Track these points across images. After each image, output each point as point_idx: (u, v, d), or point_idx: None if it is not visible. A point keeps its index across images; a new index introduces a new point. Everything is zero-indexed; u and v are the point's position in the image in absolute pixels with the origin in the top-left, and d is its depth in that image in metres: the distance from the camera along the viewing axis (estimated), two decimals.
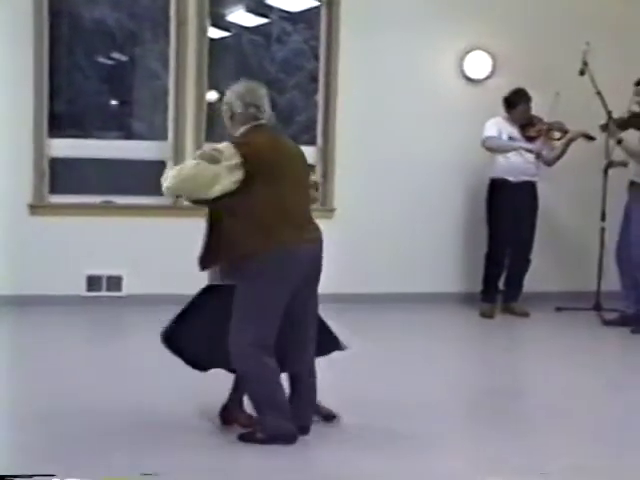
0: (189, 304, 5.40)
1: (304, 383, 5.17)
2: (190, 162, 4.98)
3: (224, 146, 4.88)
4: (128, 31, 9.11)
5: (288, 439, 5.02)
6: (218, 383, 5.39)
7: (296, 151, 5.19)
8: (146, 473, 4.48)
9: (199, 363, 5.29)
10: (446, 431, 5.42)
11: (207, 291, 5.38)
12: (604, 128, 8.17)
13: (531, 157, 8.47)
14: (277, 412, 5.01)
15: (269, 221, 4.88)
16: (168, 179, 5.03)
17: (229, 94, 5.12)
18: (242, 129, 5.04)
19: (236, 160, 4.80)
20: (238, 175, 4.81)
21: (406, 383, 5.51)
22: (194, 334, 5.26)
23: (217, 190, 4.83)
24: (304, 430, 5.15)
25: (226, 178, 4.80)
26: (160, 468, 4.58)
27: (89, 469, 4.54)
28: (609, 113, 8.33)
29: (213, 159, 4.81)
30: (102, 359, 6.81)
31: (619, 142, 8.10)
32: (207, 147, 5.14)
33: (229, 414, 5.34)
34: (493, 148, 8.44)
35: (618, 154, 8.40)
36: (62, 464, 4.60)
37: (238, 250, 4.93)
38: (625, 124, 8.14)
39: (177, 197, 5.34)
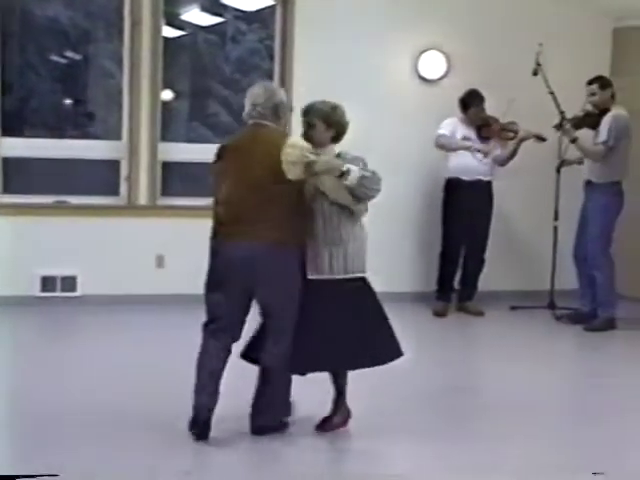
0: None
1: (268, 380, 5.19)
2: None
3: None
4: (82, 30, 9.05)
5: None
6: (164, 382, 5.36)
7: (244, 149, 5.14)
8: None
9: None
10: (399, 429, 5.44)
11: None
12: (558, 127, 8.23)
13: (482, 156, 8.52)
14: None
15: (215, 214, 5.21)
16: None
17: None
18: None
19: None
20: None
21: (356, 381, 5.53)
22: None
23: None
24: (257, 430, 5.18)
25: None
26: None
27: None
28: (562, 113, 8.40)
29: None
30: (56, 359, 6.75)
31: (573, 141, 8.16)
32: None
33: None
34: (444, 146, 8.49)
35: (571, 153, 8.47)
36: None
37: None
38: (580, 123, 8.21)
39: None
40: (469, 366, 7.31)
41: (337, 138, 5.33)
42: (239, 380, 5.25)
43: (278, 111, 5.19)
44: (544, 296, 8.74)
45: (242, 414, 5.22)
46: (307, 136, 5.19)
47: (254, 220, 5.02)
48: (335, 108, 5.32)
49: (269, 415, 5.24)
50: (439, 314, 8.60)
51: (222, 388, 5.15)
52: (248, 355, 5.36)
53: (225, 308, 5.15)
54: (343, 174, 5.01)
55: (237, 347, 5.28)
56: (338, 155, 5.22)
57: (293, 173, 4.98)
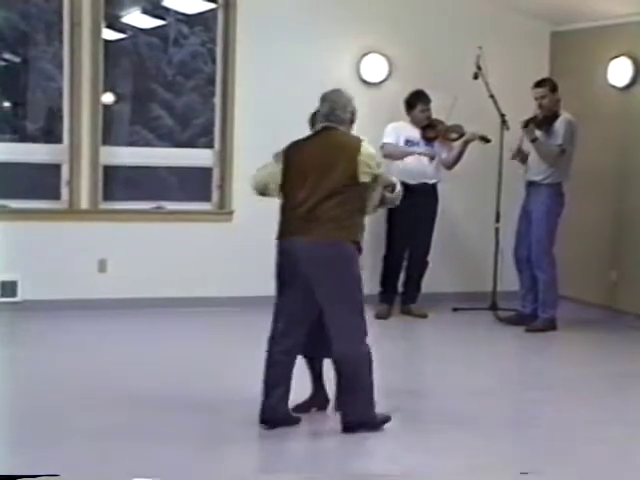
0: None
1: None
2: (267, 165, 5.69)
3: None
4: (20, 32, 8.94)
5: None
6: (105, 388, 5.33)
7: (333, 154, 5.38)
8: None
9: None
10: (339, 432, 5.45)
11: None
12: (525, 126, 8.22)
13: (427, 159, 8.57)
14: None
15: (282, 215, 5.48)
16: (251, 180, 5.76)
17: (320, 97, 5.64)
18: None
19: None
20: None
21: (298, 384, 5.57)
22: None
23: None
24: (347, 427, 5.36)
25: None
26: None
27: None
28: (503, 116, 8.50)
29: (278, 159, 5.55)
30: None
31: (534, 141, 8.21)
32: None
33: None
34: (390, 154, 8.49)
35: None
36: None
37: None
38: (539, 124, 8.25)
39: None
40: (411, 368, 7.34)
41: None
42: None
43: (353, 118, 5.55)
44: (486, 297, 8.82)
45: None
46: None
47: (328, 220, 5.28)
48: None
49: (356, 410, 5.35)
50: (381, 317, 8.61)
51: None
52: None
53: (288, 308, 5.42)
54: (393, 187, 5.63)
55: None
56: None
57: (365, 178, 5.34)
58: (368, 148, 5.41)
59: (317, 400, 5.76)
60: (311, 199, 5.30)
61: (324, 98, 5.57)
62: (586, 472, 4.97)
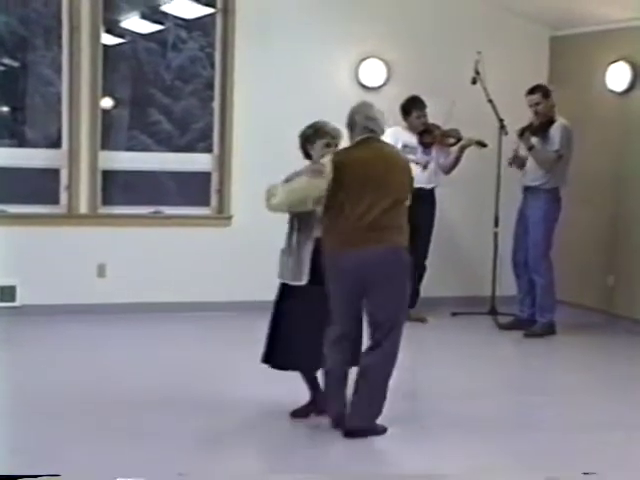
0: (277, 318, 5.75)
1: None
2: (300, 179, 5.50)
3: (326, 160, 5.43)
4: (19, 36, 8.95)
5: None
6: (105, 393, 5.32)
7: (388, 164, 5.50)
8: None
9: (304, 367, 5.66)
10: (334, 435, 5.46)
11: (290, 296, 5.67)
12: (521, 134, 8.25)
13: (428, 165, 8.57)
14: None
15: (335, 226, 5.38)
16: (278, 196, 5.50)
17: (350, 111, 5.63)
18: (354, 142, 5.55)
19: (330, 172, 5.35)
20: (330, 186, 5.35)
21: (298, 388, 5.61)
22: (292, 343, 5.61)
23: (320, 202, 5.40)
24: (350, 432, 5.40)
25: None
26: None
27: None
28: (501, 121, 8.51)
29: (319, 173, 5.39)
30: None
31: (530, 148, 8.23)
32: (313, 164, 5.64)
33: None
34: None
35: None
36: None
37: (323, 253, 5.46)
38: (535, 131, 8.26)
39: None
40: (410, 372, 7.32)
41: None
42: None
43: (383, 129, 5.61)
44: (485, 302, 8.82)
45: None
46: None
47: (394, 227, 5.43)
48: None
49: (366, 416, 5.43)
50: None
51: None
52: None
53: (344, 313, 5.44)
54: None
55: None
56: None
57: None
58: None
59: (315, 406, 5.76)
60: (376, 208, 5.34)
61: (358, 110, 5.61)
62: (587, 475, 4.97)
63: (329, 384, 5.50)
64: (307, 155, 5.75)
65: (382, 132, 5.60)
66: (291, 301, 5.65)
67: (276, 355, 5.67)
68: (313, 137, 5.71)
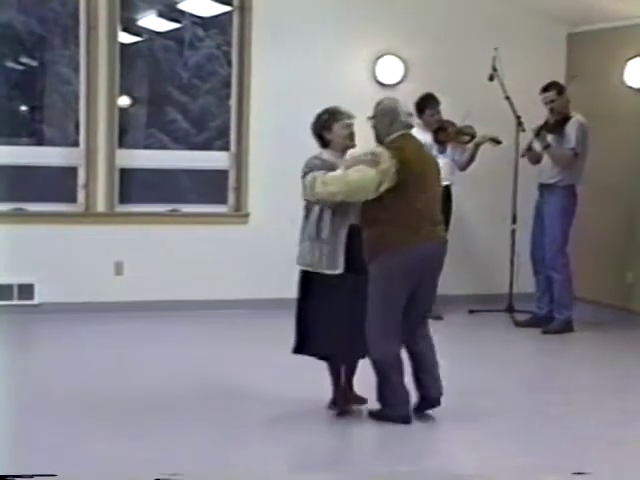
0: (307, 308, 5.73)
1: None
2: (358, 169, 5.47)
3: (381, 151, 5.50)
4: (37, 36, 8.99)
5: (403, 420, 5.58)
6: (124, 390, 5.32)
7: (432, 160, 5.85)
8: None
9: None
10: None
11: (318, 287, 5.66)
12: (537, 134, 8.23)
13: (444, 161, 8.56)
14: None
15: (402, 218, 5.48)
16: (335, 185, 5.47)
17: (388, 104, 5.71)
18: (393, 136, 5.59)
19: (392, 165, 5.40)
20: (394, 179, 5.41)
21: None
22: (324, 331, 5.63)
23: (376, 192, 5.42)
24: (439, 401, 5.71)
25: (385, 182, 5.40)
26: None
27: None
28: (518, 118, 8.48)
29: (374, 162, 5.42)
30: (13, 369, 6.69)
31: (546, 147, 8.21)
32: (360, 152, 5.66)
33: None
34: None
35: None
36: None
37: (382, 245, 5.49)
38: (551, 129, 8.24)
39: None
40: None
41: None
42: None
43: None
44: (503, 299, 8.80)
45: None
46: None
47: (440, 221, 5.72)
48: None
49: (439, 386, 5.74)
50: None
51: None
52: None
53: (401, 304, 5.57)
54: None
55: None
56: None
57: None
58: None
59: (350, 397, 5.82)
60: (434, 203, 5.66)
61: (397, 105, 5.69)
62: (605, 473, 4.95)
63: (396, 375, 5.58)
64: (324, 144, 5.74)
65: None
66: (322, 290, 5.60)
67: (311, 344, 5.67)
68: (330, 120, 5.73)
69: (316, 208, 5.62)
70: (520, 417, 6.01)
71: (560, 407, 6.16)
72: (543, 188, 8.36)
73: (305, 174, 5.61)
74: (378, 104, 5.75)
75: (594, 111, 8.56)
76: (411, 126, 5.73)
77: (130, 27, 8.95)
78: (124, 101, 8.87)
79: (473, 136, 8.58)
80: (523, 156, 8.42)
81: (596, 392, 6.56)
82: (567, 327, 8.26)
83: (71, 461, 4.87)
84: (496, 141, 8.55)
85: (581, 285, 8.62)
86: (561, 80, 8.75)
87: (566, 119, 8.17)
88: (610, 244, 9.11)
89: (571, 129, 8.13)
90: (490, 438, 5.49)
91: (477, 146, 8.58)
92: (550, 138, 8.20)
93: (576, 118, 8.18)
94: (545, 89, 8.24)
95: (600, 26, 9.17)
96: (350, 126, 5.72)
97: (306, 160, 5.73)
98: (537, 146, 8.31)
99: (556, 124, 8.17)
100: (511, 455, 5.19)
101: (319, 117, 5.79)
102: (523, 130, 8.53)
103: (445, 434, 5.63)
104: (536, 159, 8.41)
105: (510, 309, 8.76)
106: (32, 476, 4.42)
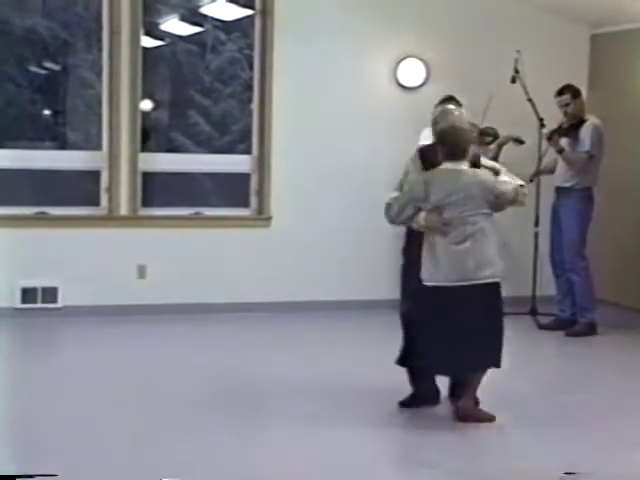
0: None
1: None
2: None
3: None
4: (61, 40, 9.04)
5: None
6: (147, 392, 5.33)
7: None
8: None
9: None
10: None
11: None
12: (549, 138, 8.21)
13: None
14: None
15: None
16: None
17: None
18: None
19: None
20: None
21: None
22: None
23: None
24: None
25: None
26: None
27: None
28: (541, 120, 8.44)
29: None
30: (37, 372, 6.72)
31: (560, 152, 8.18)
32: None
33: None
34: None
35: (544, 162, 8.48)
36: None
37: None
38: (565, 133, 8.21)
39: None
40: None
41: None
42: None
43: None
44: (526, 302, 8.76)
45: None
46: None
47: None
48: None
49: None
50: None
51: None
52: None
53: None
54: None
55: None
56: None
57: None
58: None
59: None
60: None
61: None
62: (628, 477, 4.93)
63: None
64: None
65: None
66: (437, 302, 5.59)
67: (428, 358, 5.67)
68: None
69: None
70: (542, 418, 5.97)
71: (583, 409, 6.14)
72: (559, 191, 8.33)
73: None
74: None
75: (616, 113, 8.53)
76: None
77: (152, 31, 8.99)
78: (146, 105, 8.90)
79: (496, 136, 8.54)
80: (532, 181, 8.36)
81: (620, 395, 6.51)
82: (590, 330, 8.21)
83: (97, 464, 4.89)
84: (519, 141, 8.52)
85: (603, 287, 8.57)
86: (583, 83, 8.71)
87: (581, 122, 8.13)
88: (633, 246, 9.05)
89: (586, 132, 8.09)
90: (510, 438, 5.47)
91: (500, 146, 8.54)
92: (564, 141, 8.17)
93: (591, 121, 8.13)
94: (560, 92, 8.20)
95: (623, 27, 9.12)
96: None
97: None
98: (548, 153, 8.28)
99: (570, 127, 8.14)
100: (528, 457, 5.18)
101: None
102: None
103: (460, 435, 5.61)
104: (551, 171, 8.41)
105: (533, 312, 8.71)
106: (32, 476, 4.43)
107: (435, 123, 5.78)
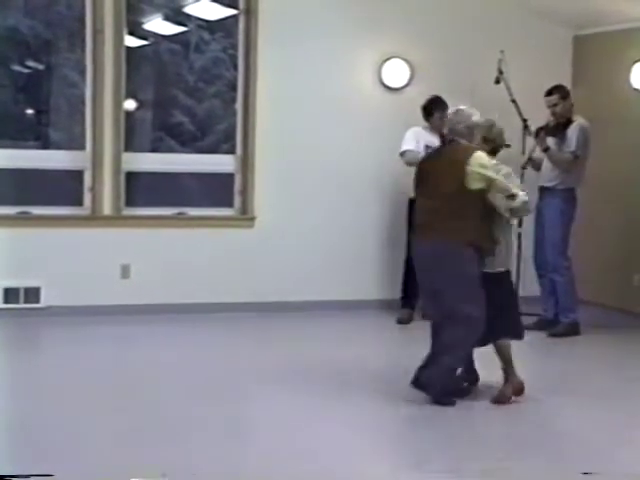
0: None
1: None
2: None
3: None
4: (43, 39, 9.01)
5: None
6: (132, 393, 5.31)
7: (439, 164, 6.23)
8: None
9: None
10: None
11: None
12: (536, 135, 8.24)
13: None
14: None
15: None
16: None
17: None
18: None
19: None
20: None
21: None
22: None
23: None
24: None
25: None
26: None
27: None
28: (525, 121, 8.47)
29: None
30: (20, 372, 6.69)
31: (546, 150, 8.20)
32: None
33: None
34: (411, 162, 8.45)
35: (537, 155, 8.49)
36: None
37: None
38: (552, 132, 8.24)
39: None
40: None
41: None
42: None
43: (471, 131, 6.21)
44: None
45: None
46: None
47: (440, 224, 6.02)
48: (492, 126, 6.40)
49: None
50: (403, 321, 8.62)
51: None
52: None
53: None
54: (512, 196, 6.00)
55: None
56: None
57: (476, 185, 5.97)
58: (479, 158, 6.01)
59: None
60: (426, 206, 6.26)
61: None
62: (615, 476, 4.95)
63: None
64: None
65: (466, 134, 6.24)
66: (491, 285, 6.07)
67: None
68: None
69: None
70: (527, 419, 5.99)
71: (567, 409, 6.16)
72: (543, 191, 8.35)
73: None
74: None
75: (600, 114, 8.56)
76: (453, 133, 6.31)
77: (136, 31, 8.96)
78: (130, 104, 8.87)
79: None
80: (524, 168, 8.37)
81: (604, 395, 6.53)
82: (573, 330, 8.24)
83: (79, 462, 4.88)
84: (506, 145, 8.52)
85: (588, 288, 8.61)
86: (567, 83, 8.74)
87: (568, 122, 8.16)
88: (617, 247, 9.10)
89: (572, 132, 8.12)
90: (497, 440, 5.47)
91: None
92: (551, 141, 8.20)
93: (578, 122, 8.17)
94: (549, 93, 8.24)
95: (606, 29, 9.17)
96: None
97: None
98: (537, 150, 8.29)
99: (557, 127, 8.17)
100: (521, 457, 5.19)
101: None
102: (529, 133, 8.51)
103: (445, 437, 5.62)
104: (538, 166, 8.41)
105: None
106: (29, 476, 4.42)
107: (491, 125, 6.40)
